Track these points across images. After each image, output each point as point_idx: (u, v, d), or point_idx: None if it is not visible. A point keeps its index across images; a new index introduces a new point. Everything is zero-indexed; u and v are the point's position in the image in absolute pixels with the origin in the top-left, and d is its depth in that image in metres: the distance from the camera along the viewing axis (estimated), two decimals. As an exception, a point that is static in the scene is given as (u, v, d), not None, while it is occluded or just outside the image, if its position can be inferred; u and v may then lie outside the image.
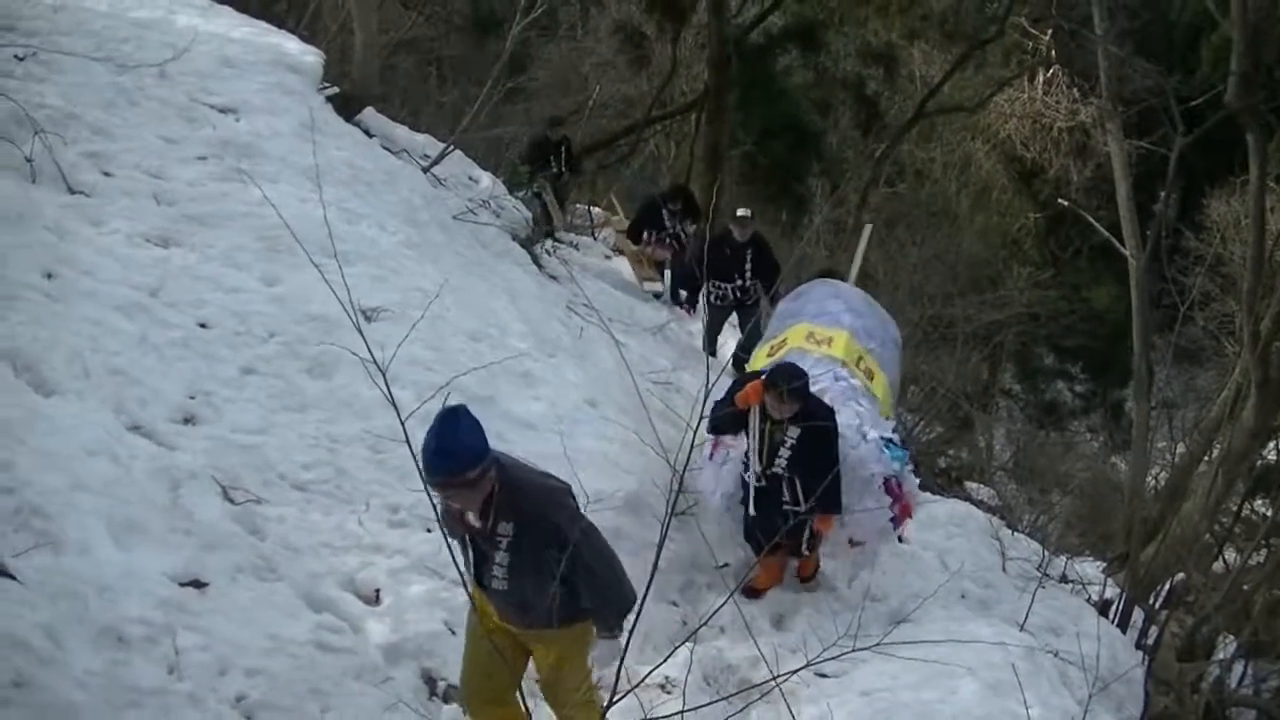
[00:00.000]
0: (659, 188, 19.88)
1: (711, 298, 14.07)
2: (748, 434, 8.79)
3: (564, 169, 17.30)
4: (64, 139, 9.59)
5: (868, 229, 13.31)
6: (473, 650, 6.31)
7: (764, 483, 8.79)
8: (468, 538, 5.91)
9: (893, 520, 9.25)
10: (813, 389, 8.87)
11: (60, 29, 11.02)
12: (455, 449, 5.47)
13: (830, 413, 8.69)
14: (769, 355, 10.21)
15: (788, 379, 8.42)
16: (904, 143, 27.18)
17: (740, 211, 14.21)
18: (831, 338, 10.06)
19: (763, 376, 8.67)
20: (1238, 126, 14.37)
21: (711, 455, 9.38)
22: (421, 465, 5.38)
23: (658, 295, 16.25)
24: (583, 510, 5.95)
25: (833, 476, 8.23)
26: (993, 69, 30.11)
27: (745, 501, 8.98)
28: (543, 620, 5.86)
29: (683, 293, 15.42)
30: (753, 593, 9.32)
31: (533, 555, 5.75)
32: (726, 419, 8.82)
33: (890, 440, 9.26)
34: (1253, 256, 14.08)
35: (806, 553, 9.37)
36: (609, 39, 28.83)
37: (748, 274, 13.88)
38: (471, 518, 5.76)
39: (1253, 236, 14.31)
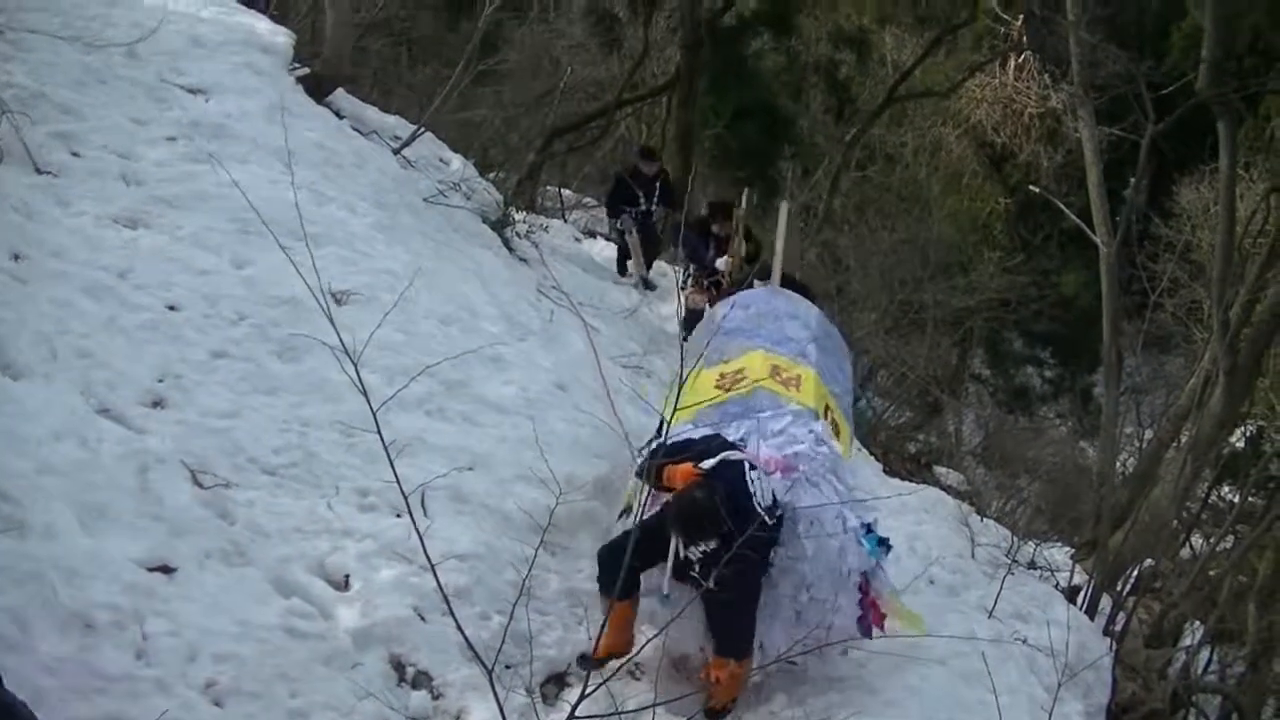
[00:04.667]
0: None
1: None
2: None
3: (654, 205, 15.74)
4: (31, 118, 9.51)
5: (784, 207, 12.81)
6: None
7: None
8: None
9: (860, 620, 7.83)
10: (786, 452, 7.90)
11: (27, 6, 10.92)
12: None
13: (762, 530, 7.04)
14: (718, 385, 8.76)
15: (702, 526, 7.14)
16: (875, 127, 27.18)
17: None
18: (800, 376, 8.73)
19: (700, 470, 7.36)
20: (1208, 114, 14.43)
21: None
22: None
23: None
24: None
25: (744, 615, 7.45)
26: (964, 54, 30.22)
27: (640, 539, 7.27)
28: None
29: None
30: (596, 663, 7.36)
31: None
32: (653, 481, 7.48)
33: (869, 528, 7.89)
34: (1222, 244, 14.15)
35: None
36: (581, 21, 28.86)
37: None
38: None
39: (1222, 224, 14.38)
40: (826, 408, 8.70)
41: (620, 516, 8.39)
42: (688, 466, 7.39)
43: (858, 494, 8.28)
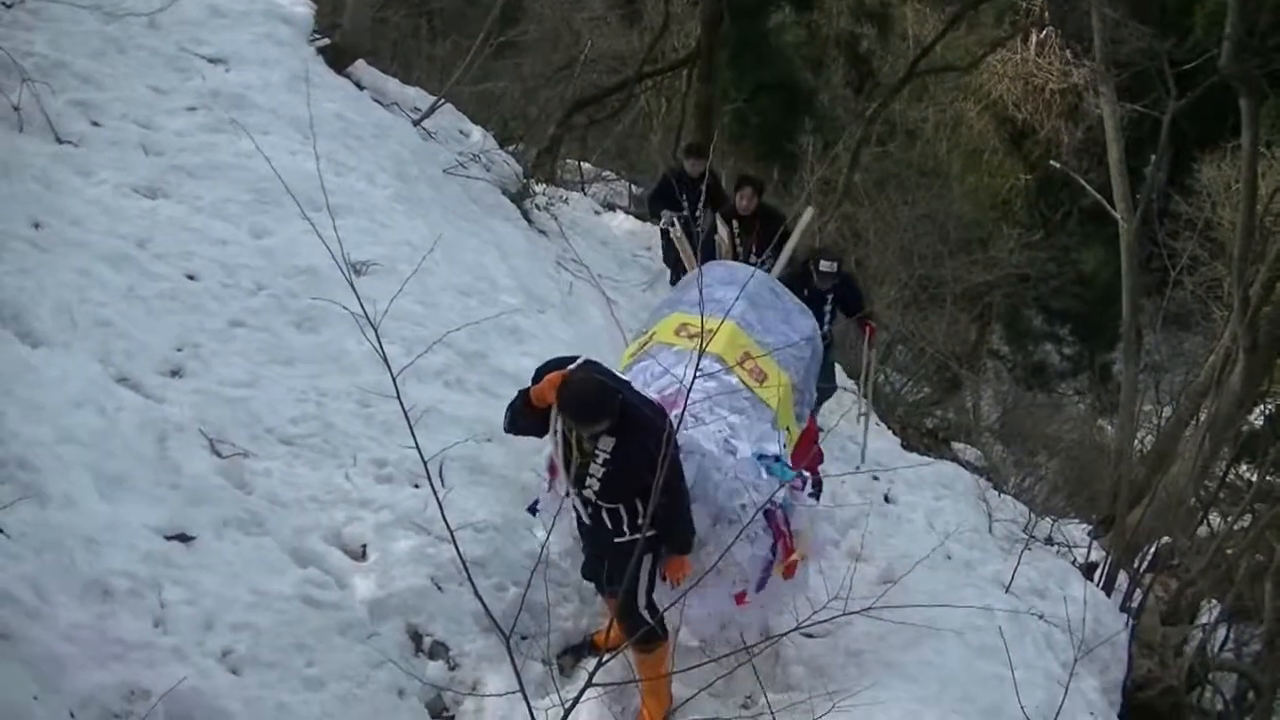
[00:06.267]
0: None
1: None
2: (553, 442, 6.90)
3: (700, 210, 13.66)
4: (52, 88, 9.53)
5: (809, 213, 12.16)
6: None
7: (587, 514, 6.89)
8: None
9: (769, 562, 7.24)
10: (651, 392, 7.36)
11: (48, -25, 10.93)
12: None
13: (660, 415, 6.59)
14: (631, 356, 8.30)
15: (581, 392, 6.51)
16: (896, 102, 27.08)
17: (824, 266, 11.32)
18: (710, 330, 7.60)
19: (567, 369, 6.64)
20: (1230, 91, 14.34)
21: (550, 485, 7.54)
22: None
23: None
24: None
25: (669, 500, 6.48)
26: (985, 29, 30.05)
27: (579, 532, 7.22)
28: None
29: None
30: (594, 648, 7.57)
31: None
32: (522, 419, 6.89)
33: (777, 459, 7.35)
34: (1243, 222, 14.07)
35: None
36: (602, -6, 28.71)
37: (826, 317, 11.31)
38: None
39: (1243, 202, 14.29)
40: (745, 355, 8.07)
41: None
42: (552, 374, 6.66)
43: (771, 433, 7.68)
